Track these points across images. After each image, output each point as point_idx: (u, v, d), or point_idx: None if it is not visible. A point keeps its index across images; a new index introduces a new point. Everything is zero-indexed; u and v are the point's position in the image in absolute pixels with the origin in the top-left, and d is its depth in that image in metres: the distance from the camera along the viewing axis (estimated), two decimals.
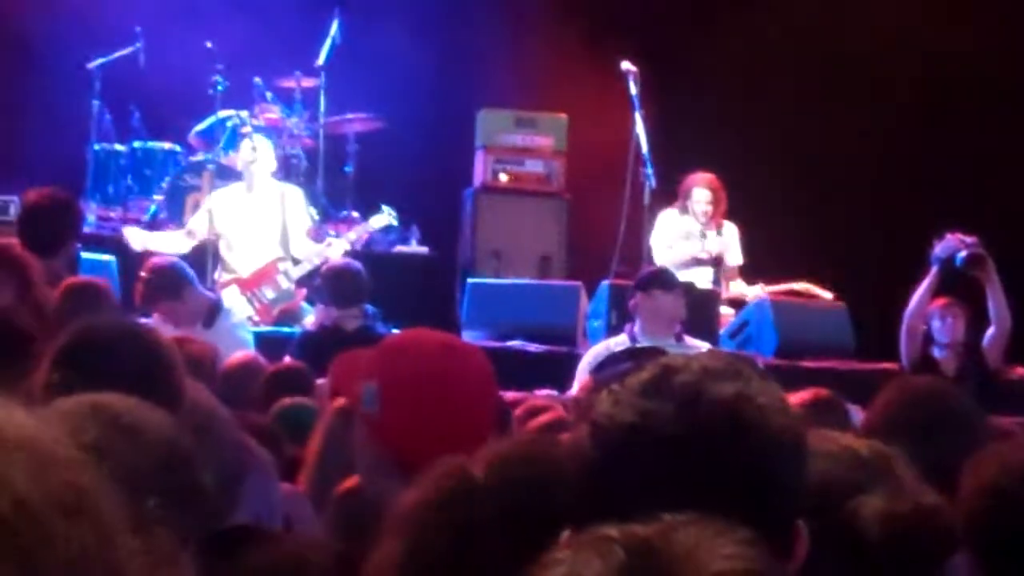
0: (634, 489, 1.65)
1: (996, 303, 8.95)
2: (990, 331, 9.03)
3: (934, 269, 8.96)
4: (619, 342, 8.22)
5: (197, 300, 8.20)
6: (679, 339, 8.16)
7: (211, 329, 7.98)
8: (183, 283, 8.12)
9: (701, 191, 10.41)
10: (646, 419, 1.65)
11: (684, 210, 10.45)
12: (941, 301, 9.02)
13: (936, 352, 9.00)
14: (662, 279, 8.35)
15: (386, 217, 10.48)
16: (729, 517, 1.63)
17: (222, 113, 11.42)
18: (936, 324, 8.99)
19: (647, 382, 1.68)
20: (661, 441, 1.65)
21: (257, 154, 10.30)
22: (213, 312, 8.15)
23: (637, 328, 8.17)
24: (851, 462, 2.13)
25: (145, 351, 3.01)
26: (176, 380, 2.97)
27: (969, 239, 8.98)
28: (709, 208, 10.39)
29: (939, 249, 8.97)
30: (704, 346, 8.30)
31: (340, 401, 2.94)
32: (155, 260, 8.64)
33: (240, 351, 7.72)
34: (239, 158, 10.51)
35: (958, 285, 9.17)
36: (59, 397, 2.31)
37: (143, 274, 8.25)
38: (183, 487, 2.12)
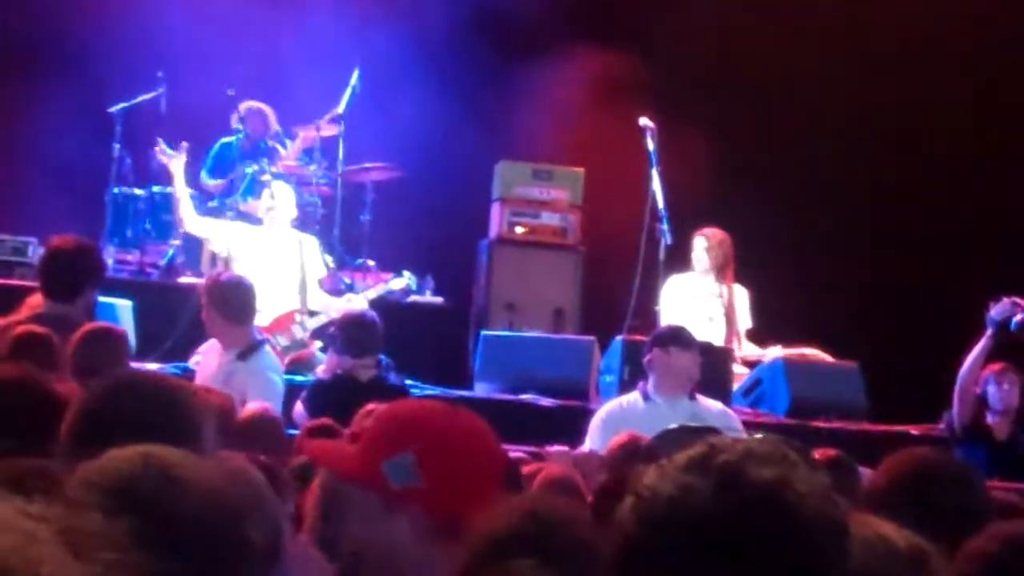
0: (668, 562, 1.67)
1: None
2: None
3: (988, 332, 8.84)
4: (631, 399, 8.20)
5: (245, 330, 8.18)
6: (692, 397, 8.12)
7: (245, 363, 7.91)
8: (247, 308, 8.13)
9: (697, 240, 10.42)
10: (685, 494, 1.68)
11: (692, 268, 10.43)
12: (997, 366, 8.92)
13: (989, 417, 8.92)
14: (681, 337, 8.26)
15: (405, 280, 10.49)
16: None
17: (227, 139, 11.56)
18: (991, 389, 8.89)
19: (692, 458, 1.71)
20: (697, 517, 1.67)
21: (277, 201, 10.33)
22: (252, 348, 8.06)
23: (651, 385, 8.10)
24: (884, 554, 2.12)
25: (171, 407, 3.02)
26: (202, 436, 2.99)
27: None
28: (704, 256, 10.37)
29: (994, 312, 8.85)
30: (717, 405, 8.28)
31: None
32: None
33: (268, 392, 7.78)
34: (260, 204, 10.54)
35: (1008, 348, 9.01)
36: (82, 450, 2.30)
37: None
38: (231, 540, 2.13)
